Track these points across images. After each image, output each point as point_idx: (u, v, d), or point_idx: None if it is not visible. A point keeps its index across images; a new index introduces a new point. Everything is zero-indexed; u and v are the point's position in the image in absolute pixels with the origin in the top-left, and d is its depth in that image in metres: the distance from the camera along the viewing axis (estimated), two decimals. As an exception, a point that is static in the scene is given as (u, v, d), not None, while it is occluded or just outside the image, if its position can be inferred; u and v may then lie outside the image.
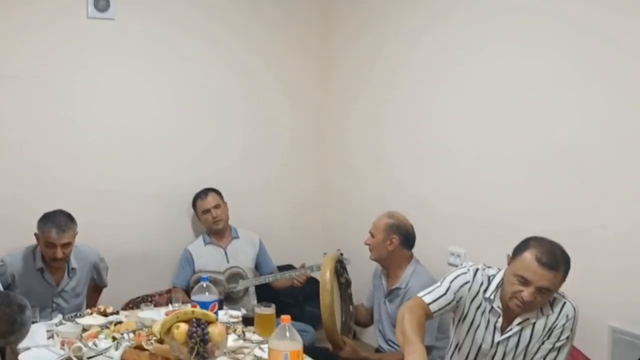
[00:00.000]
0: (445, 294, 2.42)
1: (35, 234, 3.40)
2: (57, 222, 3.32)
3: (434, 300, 2.40)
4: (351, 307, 3.22)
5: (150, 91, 4.24)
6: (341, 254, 3.72)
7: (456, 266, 2.60)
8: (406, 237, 3.24)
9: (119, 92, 4.13)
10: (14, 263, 3.42)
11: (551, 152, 3.15)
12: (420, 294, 2.45)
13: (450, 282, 2.45)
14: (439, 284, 2.47)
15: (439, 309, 2.41)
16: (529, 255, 2.28)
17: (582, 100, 3.01)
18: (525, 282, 2.27)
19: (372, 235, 3.29)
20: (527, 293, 2.26)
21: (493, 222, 3.42)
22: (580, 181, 3.03)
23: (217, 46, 4.40)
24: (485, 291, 2.43)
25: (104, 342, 2.48)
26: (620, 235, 2.85)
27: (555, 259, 2.26)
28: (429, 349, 2.91)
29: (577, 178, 3.04)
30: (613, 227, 2.88)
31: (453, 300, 2.43)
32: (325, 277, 2.95)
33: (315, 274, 4.09)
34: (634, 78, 2.80)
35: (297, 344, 2.18)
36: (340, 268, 3.22)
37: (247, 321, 3.05)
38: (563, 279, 2.30)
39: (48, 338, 2.76)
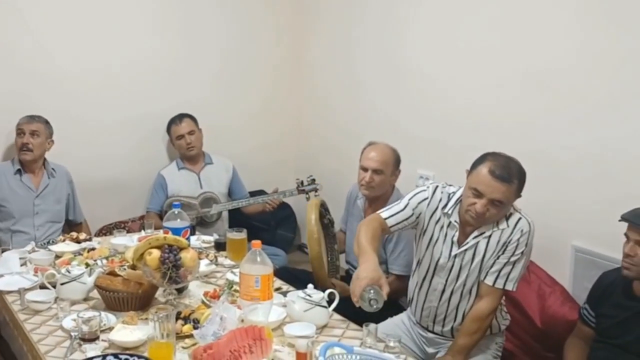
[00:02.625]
0: (403, 209, 2.51)
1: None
2: (31, 114, 3.65)
3: (391, 215, 2.51)
4: (335, 246, 3.19)
5: (123, 13, 4.13)
6: (313, 180, 3.73)
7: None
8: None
9: (91, 16, 4.02)
10: None
11: (520, 74, 3.17)
12: (378, 211, 2.55)
13: (409, 199, 2.54)
14: (398, 201, 2.56)
15: (397, 224, 2.51)
16: (483, 169, 2.34)
17: (552, 22, 3.00)
18: (478, 194, 2.33)
19: (379, 172, 3.03)
20: (479, 205, 2.33)
21: (461, 145, 3.46)
22: (548, 103, 3.06)
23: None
24: (444, 207, 2.51)
25: (77, 269, 2.48)
26: (587, 157, 2.91)
27: (509, 172, 2.32)
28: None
29: (545, 100, 3.07)
30: (579, 147, 2.94)
31: (412, 215, 2.51)
32: (312, 225, 2.86)
33: (287, 199, 4.14)
34: (604, 2, 2.79)
35: (268, 268, 2.21)
36: (323, 210, 3.09)
37: (220, 246, 3.09)
38: (517, 193, 2.36)
39: (21, 265, 2.78)
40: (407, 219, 2.51)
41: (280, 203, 4.00)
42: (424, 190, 2.55)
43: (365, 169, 3.07)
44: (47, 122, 3.67)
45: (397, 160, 3.13)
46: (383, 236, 2.57)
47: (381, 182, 3.06)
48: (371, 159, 3.06)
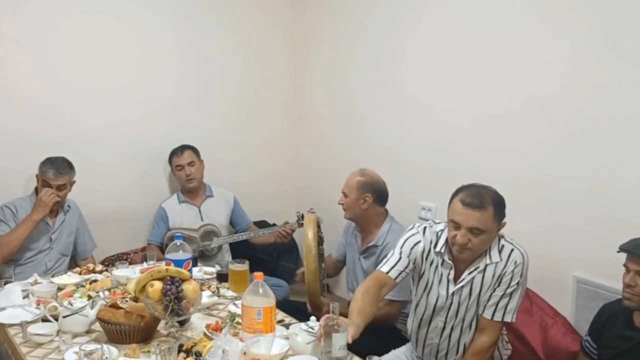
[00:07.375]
0: (400, 259, 2.52)
1: (37, 175, 3.61)
2: (56, 164, 3.58)
3: (392, 268, 2.51)
4: (323, 264, 3.25)
5: (125, 44, 4.18)
6: (313, 212, 3.76)
7: (427, 220, 2.66)
8: (379, 194, 3.22)
9: (99, 55, 4.08)
10: (16, 204, 3.61)
11: (520, 105, 3.19)
12: (379, 267, 2.55)
13: (401, 247, 2.54)
14: (392, 251, 2.56)
15: (399, 274, 2.51)
16: (456, 200, 2.38)
17: (551, 53, 3.04)
18: (456, 225, 2.36)
19: (345, 195, 3.22)
20: (459, 235, 2.35)
21: (463, 176, 3.43)
22: (548, 133, 3.08)
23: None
24: (435, 246, 2.51)
25: (79, 301, 2.48)
26: (587, 187, 2.92)
27: (480, 199, 2.34)
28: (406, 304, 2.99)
29: (545, 130, 3.09)
30: (579, 178, 2.95)
31: (409, 262, 2.52)
32: (310, 241, 2.92)
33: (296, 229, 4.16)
34: (598, 31, 2.84)
35: (270, 301, 2.21)
36: (318, 228, 3.18)
37: (222, 277, 3.09)
38: (495, 219, 2.36)
39: (23, 297, 2.77)
40: (406, 267, 2.51)
41: (292, 231, 3.97)
42: (415, 234, 2.55)
43: None
44: (72, 168, 3.63)
45: (364, 186, 3.19)
46: (387, 291, 2.54)
47: (347, 203, 3.22)
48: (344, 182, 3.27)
